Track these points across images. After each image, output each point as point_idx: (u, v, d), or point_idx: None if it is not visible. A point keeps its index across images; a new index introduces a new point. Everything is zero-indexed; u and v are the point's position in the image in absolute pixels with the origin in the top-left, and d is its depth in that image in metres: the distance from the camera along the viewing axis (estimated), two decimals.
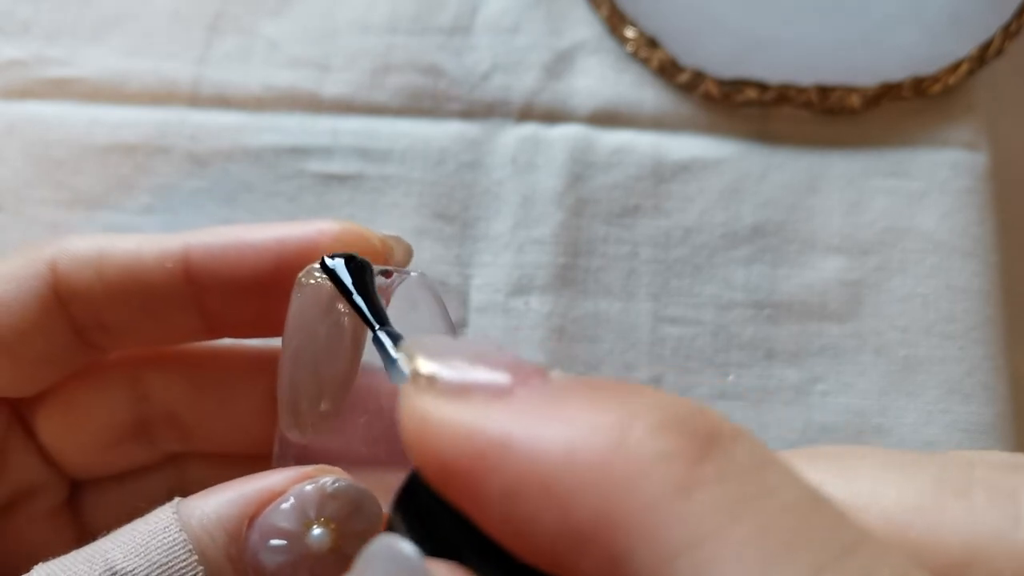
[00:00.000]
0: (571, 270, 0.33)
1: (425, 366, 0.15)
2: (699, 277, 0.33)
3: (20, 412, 0.25)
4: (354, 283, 0.21)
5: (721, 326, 0.33)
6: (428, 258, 0.33)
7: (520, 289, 0.33)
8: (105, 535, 0.20)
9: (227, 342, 0.27)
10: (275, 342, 0.26)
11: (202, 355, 0.26)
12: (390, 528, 0.15)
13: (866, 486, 0.15)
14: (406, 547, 0.14)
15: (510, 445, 0.13)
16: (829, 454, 0.16)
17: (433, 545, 0.14)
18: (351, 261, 0.22)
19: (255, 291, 0.24)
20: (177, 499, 0.21)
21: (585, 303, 0.33)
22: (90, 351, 0.25)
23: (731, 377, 0.32)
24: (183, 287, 0.24)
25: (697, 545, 0.12)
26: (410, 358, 0.15)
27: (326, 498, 0.20)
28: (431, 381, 0.14)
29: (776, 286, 0.33)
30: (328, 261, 0.22)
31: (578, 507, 0.13)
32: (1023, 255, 0.35)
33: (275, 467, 0.23)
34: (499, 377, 0.14)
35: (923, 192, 0.34)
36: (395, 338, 0.20)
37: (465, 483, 0.14)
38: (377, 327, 0.20)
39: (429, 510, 0.15)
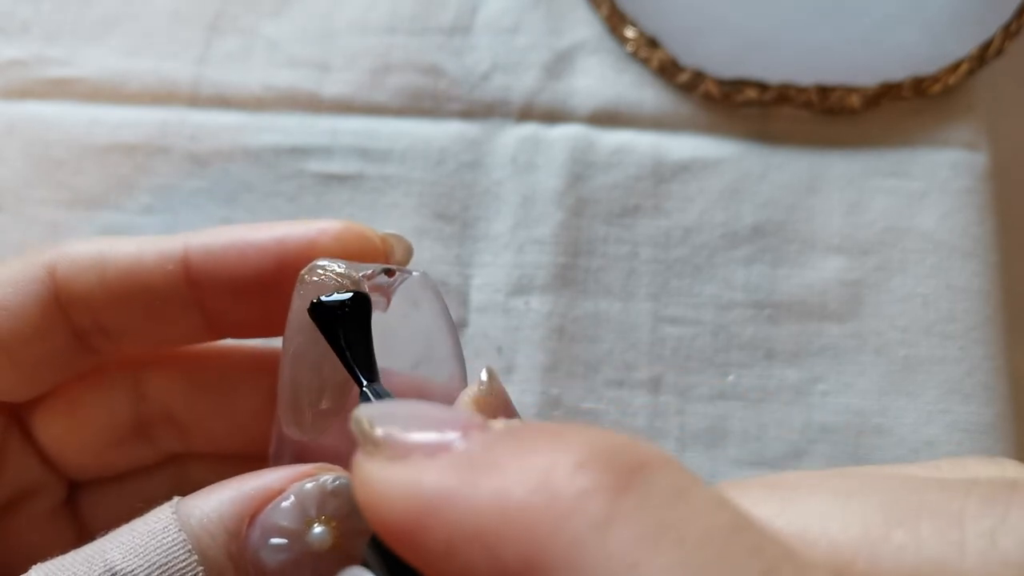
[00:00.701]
0: (571, 270, 0.33)
1: (371, 432, 0.15)
2: (699, 277, 0.33)
3: (18, 413, 0.25)
4: (346, 327, 0.21)
5: (721, 326, 0.33)
6: (428, 258, 0.33)
7: (520, 289, 0.33)
8: (104, 535, 0.20)
9: (227, 342, 0.27)
10: (275, 342, 0.26)
11: (201, 355, 0.26)
12: (365, 563, 0.17)
13: (815, 519, 0.15)
14: None
15: (444, 499, 0.14)
16: (786, 483, 0.16)
17: None
18: (342, 308, 0.21)
19: (256, 291, 0.24)
20: (176, 499, 0.21)
21: (585, 303, 0.33)
22: (90, 355, 0.25)
23: (731, 377, 0.32)
24: (184, 289, 0.24)
25: None
26: (358, 425, 0.16)
27: (327, 496, 0.20)
28: (376, 446, 0.15)
29: (776, 286, 0.33)
30: (324, 299, 0.21)
31: (508, 553, 0.13)
32: (1023, 255, 0.35)
33: (272, 465, 0.23)
34: (437, 435, 0.15)
35: (923, 192, 0.34)
36: (380, 395, 0.20)
37: (408, 539, 0.14)
38: (364, 384, 0.20)
39: (388, 561, 0.16)
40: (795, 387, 0.32)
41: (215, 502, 0.20)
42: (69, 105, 0.36)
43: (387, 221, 0.34)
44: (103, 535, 0.20)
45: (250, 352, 0.27)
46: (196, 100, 0.36)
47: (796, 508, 0.16)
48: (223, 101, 0.36)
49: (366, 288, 0.22)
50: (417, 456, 0.15)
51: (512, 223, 0.34)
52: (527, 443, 0.14)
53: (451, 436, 0.15)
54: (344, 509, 0.20)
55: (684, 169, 0.34)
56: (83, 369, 0.25)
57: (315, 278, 0.22)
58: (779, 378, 0.32)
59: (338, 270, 0.22)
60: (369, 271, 0.22)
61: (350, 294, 0.21)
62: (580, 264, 0.33)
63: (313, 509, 0.20)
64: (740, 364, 0.32)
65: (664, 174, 0.34)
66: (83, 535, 0.26)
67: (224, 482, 0.21)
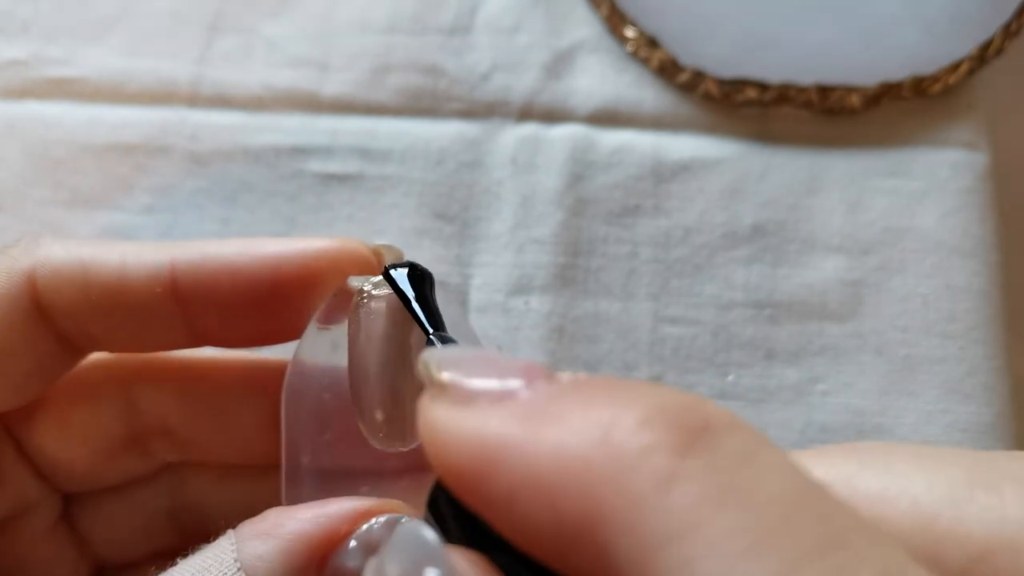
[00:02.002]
0: (571, 270, 0.33)
1: (438, 375, 0.15)
2: (699, 277, 0.33)
3: (9, 427, 0.25)
4: (415, 292, 0.22)
5: (721, 326, 0.33)
6: (428, 258, 0.33)
7: (520, 289, 0.33)
8: (155, 571, 0.20)
9: (222, 354, 0.26)
10: (268, 352, 0.26)
11: (195, 367, 0.26)
12: (428, 509, 0.16)
13: (897, 479, 0.15)
14: (427, 532, 0.15)
15: (507, 448, 0.14)
16: (864, 449, 0.17)
17: (456, 537, 0.16)
18: (413, 271, 0.22)
19: (248, 312, 0.23)
20: (232, 533, 0.20)
21: (585, 303, 0.33)
22: (77, 355, 0.24)
23: (731, 377, 0.32)
24: (171, 305, 0.23)
25: (679, 538, 0.12)
26: (426, 368, 0.16)
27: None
28: (443, 389, 0.15)
29: (776, 286, 0.33)
30: (392, 272, 0.22)
31: (567, 505, 0.13)
32: (1023, 255, 0.35)
33: (288, 485, 0.23)
34: (504, 382, 0.15)
35: (923, 192, 0.34)
36: (447, 343, 0.20)
37: (470, 486, 0.14)
38: (431, 332, 0.21)
39: (452, 507, 0.16)
40: (795, 387, 0.32)
41: (277, 548, 0.20)
42: (69, 105, 0.36)
43: (387, 221, 0.34)
44: (154, 573, 0.20)
45: (245, 363, 0.26)
46: (196, 100, 0.36)
47: (876, 468, 0.16)
48: (223, 101, 0.36)
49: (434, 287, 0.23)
50: (482, 402, 0.15)
51: (512, 223, 0.34)
52: (592, 396, 0.14)
53: (516, 384, 0.15)
54: None
55: (684, 169, 0.34)
56: (71, 368, 0.25)
57: (382, 293, 0.22)
58: (779, 378, 0.32)
59: (380, 284, 0.23)
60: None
61: (410, 265, 0.22)
62: (580, 264, 0.33)
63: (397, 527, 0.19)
64: (740, 364, 0.32)
65: (664, 174, 0.34)
66: (83, 548, 0.26)
67: (278, 520, 0.20)
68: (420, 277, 0.22)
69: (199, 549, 0.20)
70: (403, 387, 0.22)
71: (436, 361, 0.16)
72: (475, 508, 0.14)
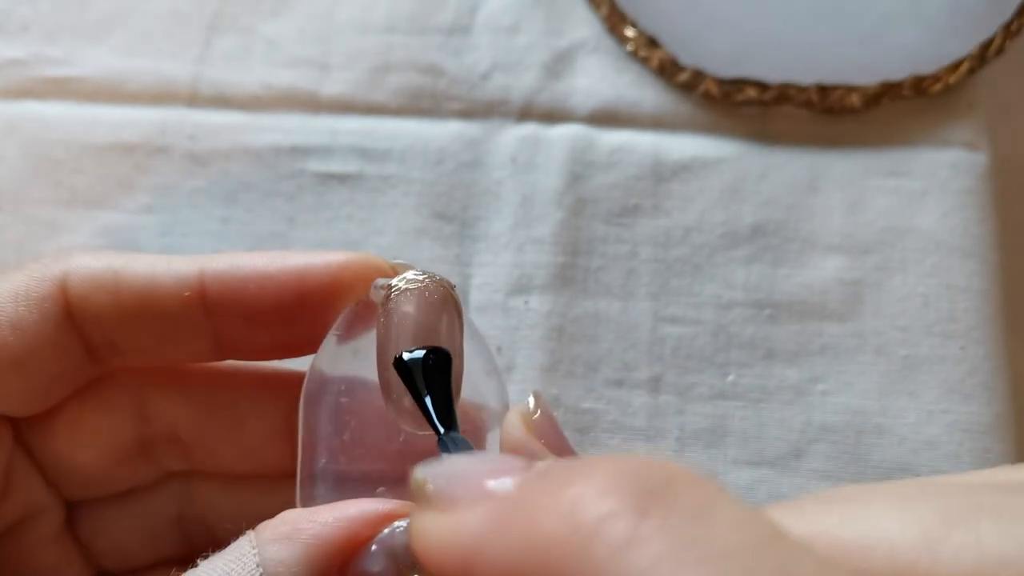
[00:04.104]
0: (571, 269, 0.33)
1: (425, 489, 0.17)
2: (699, 277, 0.33)
3: (21, 431, 0.25)
4: (427, 383, 0.21)
5: (721, 326, 0.33)
6: (428, 258, 0.33)
7: (520, 289, 0.33)
8: (176, 572, 0.20)
9: (234, 363, 0.26)
10: (284, 364, 0.26)
11: (207, 376, 0.26)
12: None
13: (873, 525, 0.15)
14: None
15: (483, 544, 0.15)
16: (841, 497, 0.17)
17: None
18: (428, 359, 0.22)
19: (273, 322, 0.24)
20: (252, 534, 0.20)
21: (585, 303, 0.33)
22: (98, 366, 0.25)
23: (731, 377, 0.32)
24: (199, 315, 0.24)
25: None
26: (415, 484, 0.17)
27: None
28: (429, 501, 0.16)
29: (776, 286, 0.33)
30: (406, 355, 0.22)
31: None
32: (1023, 255, 0.35)
33: (304, 486, 0.23)
34: (483, 485, 0.16)
35: (923, 192, 0.34)
36: (456, 443, 0.21)
37: None
38: (441, 433, 0.21)
39: None
40: (795, 387, 0.32)
41: (299, 551, 0.20)
42: (68, 105, 0.36)
43: (387, 221, 0.34)
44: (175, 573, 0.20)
45: (257, 373, 0.26)
46: (195, 100, 0.36)
47: (854, 517, 0.16)
48: (222, 101, 0.36)
49: (456, 291, 0.23)
50: (462, 506, 0.16)
51: (512, 223, 0.34)
52: (559, 480, 0.15)
53: (493, 484, 0.16)
54: None
55: (684, 169, 0.34)
56: (90, 379, 0.25)
57: (411, 285, 0.22)
58: (779, 378, 0.32)
59: (420, 276, 0.23)
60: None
61: (427, 349, 0.22)
62: (580, 264, 0.33)
63: (407, 559, 0.19)
64: (740, 364, 0.32)
65: (664, 174, 0.34)
66: (87, 555, 0.26)
67: (296, 521, 0.20)
68: (435, 364, 0.22)
69: (219, 551, 0.20)
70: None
71: (423, 476, 0.17)
72: None
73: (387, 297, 0.22)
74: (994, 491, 0.15)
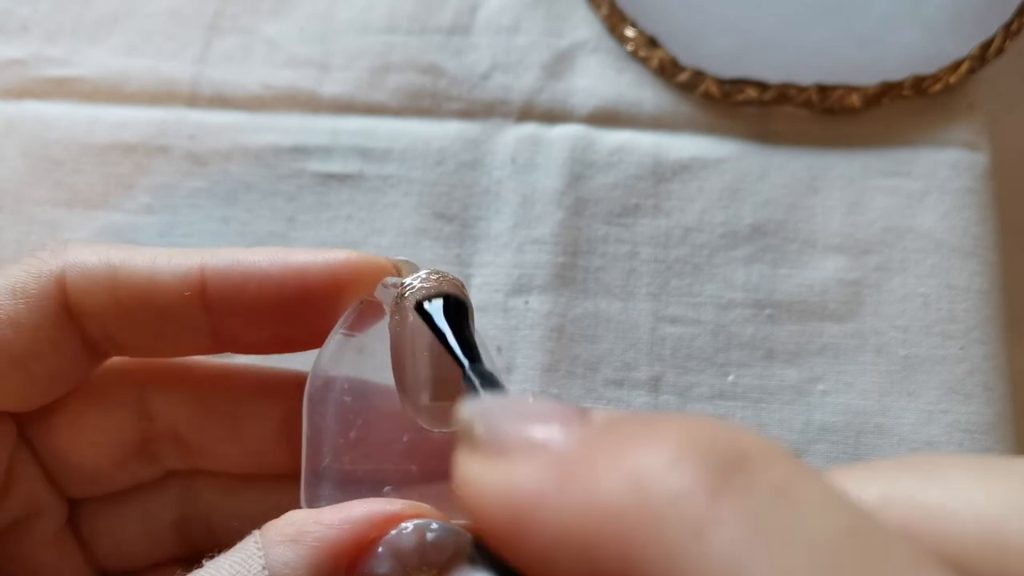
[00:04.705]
0: (571, 269, 0.33)
1: (472, 429, 0.15)
2: (699, 277, 0.33)
3: (23, 427, 0.25)
4: (450, 324, 0.21)
5: (721, 326, 0.33)
6: (428, 258, 0.33)
7: (520, 289, 0.33)
8: (181, 574, 0.20)
9: (236, 361, 0.26)
10: (284, 361, 0.26)
11: (209, 375, 0.26)
12: (471, 560, 0.17)
13: (956, 491, 0.15)
14: None
15: (540, 503, 0.14)
16: (916, 462, 0.16)
17: None
18: (447, 303, 0.22)
19: (273, 319, 0.24)
20: (258, 535, 0.20)
21: (585, 303, 0.33)
22: (98, 359, 0.25)
23: (731, 377, 0.32)
24: (198, 311, 0.23)
25: None
26: (459, 421, 0.16)
27: (427, 547, 0.19)
28: (477, 444, 0.15)
29: (776, 286, 0.33)
30: (426, 305, 0.22)
31: (603, 560, 0.13)
32: (1023, 255, 0.35)
33: (308, 486, 0.23)
34: (536, 432, 0.15)
35: (923, 192, 0.34)
36: (484, 376, 0.20)
37: (506, 540, 0.14)
38: (467, 365, 0.20)
39: (490, 558, 0.16)
40: (795, 387, 0.32)
41: (302, 555, 0.19)
42: (68, 105, 0.36)
43: (387, 221, 0.34)
44: (180, 574, 0.20)
45: (259, 372, 0.26)
46: (195, 100, 0.36)
47: (936, 482, 0.15)
48: (222, 101, 0.36)
49: (466, 289, 0.23)
50: (515, 455, 0.15)
51: (512, 223, 0.34)
52: (622, 438, 0.14)
53: (548, 434, 0.15)
54: (444, 557, 0.19)
55: (684, 169, 0.34)
56: (90, 373, 0.25)
57: (423, 284, 0.22)
58: (779, 378, 0.32)
59: (434, 276, 0.23)
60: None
61: (445, 296, 0.22)
62: (580, 264, 0.33)
63: (414, 560, 0.19)
64: (740, 364, 0.32)
65: (664, 174, 0.34)
66: (88, 555, 0.26)
67: (302, 522, 0.20)
68: (455, 308, 0.22)
69: (224, 551, 0.20)
70: (447, 370, 0.22)
71: (470, 414, 0.16)
72: (515, 562, 0.14)
73: (401, 296, 0.22)
74: None
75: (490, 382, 0.19)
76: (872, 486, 0.15)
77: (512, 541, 0.14)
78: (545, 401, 0.16)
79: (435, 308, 0.22)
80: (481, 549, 0.17)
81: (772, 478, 0.13)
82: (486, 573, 0.17)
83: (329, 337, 0.24)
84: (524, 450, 0.15)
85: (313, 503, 0.22)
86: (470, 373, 0.20)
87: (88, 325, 0.23)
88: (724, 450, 0.13)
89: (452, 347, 0.21)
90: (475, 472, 0.15)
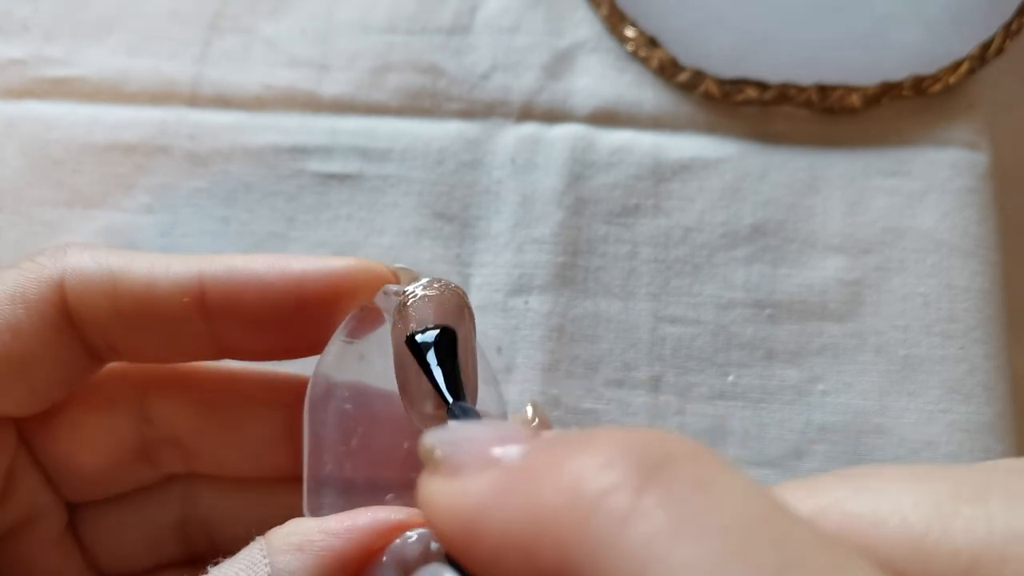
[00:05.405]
0: (571, 269, 0.33)
1: (432, 454, 0.17)
2: (699, 277, 0.33)
3: (23, 431, 0.25)
4: (438, 358, 0.22)
5: (721, 326, 0.33)
6: (428, 257, 0.33)
7: (520, 288, 0.33)
8: None
9: (236, 366, 0.26)
10: (284, 366, 0.26)
11: (209, 379, 0.26)
12: (448, 560, 0.18)
13: (887, 499, 0.16)
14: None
15: (486, 511, 0.15)
16: (856, 474, 0.17)
17: None
18: (439, 339, 0.22)
19: (271, 326, 0.24)
20: (262, 542, 0.20)
21: (585, 302, 0.33)
22: (98, 365, 0.25)
23: (731, 377, 0.32)
24: (197, 318, 0.23)
25: (642, 575, 0.12)
26: (423, 448, 0.17)
27: (431, 556, 0.19)
28: (437, 466, 0.17)
29: (776, 286, 0.33)
30: (418, 337, 0.22)
31: (542, 559, 0.14)
32: (1023, 255, 0.35)
33: (310, 494, 0.23)
34: (490, 452, 0.16)
35: (923, 192, 0.34)
36: (465, 412, 0.21)
37: (461, 550, 0.16)
38: (451, 403, 0.21)
39: (458, 569, 0.18)
40: (795, 387, 0.32)
41: (307, 565, 0.19)
42: (68, 105, 0.36)
43: (387, 221, 0.34)
44: None
45: (259, 376, 0.26)
46: (195, 100, 0.36)
47: (868, 491, 0.16)
48: (222, 101, 0.36)
49: (467, 297, 0.23)
50: (467, 472, 0.16)
51: (512, 222, 0.34)
52: (563, 450, 0.15)
53: (499, 451, 0.16)
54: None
55: (684, 168, 0.34)
56: (90, 377, 0.25)
57: (429, 292, 0.23)
58: (779, 378, 0.32)
59: (436, 284, 0.23)
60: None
61: (438, 329, 0.22)
62: (580, 264, 0.33)
63: (418, 569, 0.19)
64: (740, 364, 0.32)
65: (664, 173, 0.34)
66: (88, 559, 0.26)
67: (307, 531, 0.20)
68: (445, 341, 0.22)
69: (228, 558, 0.20)
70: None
71: (431, 441, 0.17)
72: (473, 571, 0.16)
73: (404, 304, 0.22)
74: (1004, 473, 0.16)
75: (470, 417, 0.20)
76: (809, 498, 0.16)
77: (466, 550, 0.15)
78: (500, 424, 0.17)
79: (425, 342, 0.22)
80: (450, 561, 0.18)
81: (695, 474, 0.14)
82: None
83: (329, 344, 0.24)
84: (475, 467, 0.16)
85: (316, 511, 0.22)
86: (454, 409, 0.21)
87: (88, 331, 0.23)
88: (652, 451, 0.14)
89: (438, 384, 0.21)
90: (433, 490, 0.16)
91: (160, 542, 0.27)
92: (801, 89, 0.34)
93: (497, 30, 0.36)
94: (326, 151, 0.35)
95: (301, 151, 0.35)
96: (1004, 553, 0.14)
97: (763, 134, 0.35)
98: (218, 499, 0.26)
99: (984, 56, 0.34)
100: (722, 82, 0.34)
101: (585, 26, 0.36)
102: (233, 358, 0.25)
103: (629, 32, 0.36)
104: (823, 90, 0.34)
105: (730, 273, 0.33)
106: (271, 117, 0.35)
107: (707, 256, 0.33)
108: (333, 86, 0.36)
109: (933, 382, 0.32)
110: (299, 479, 0.23)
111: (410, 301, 0.22)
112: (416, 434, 0.22)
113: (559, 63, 0.36)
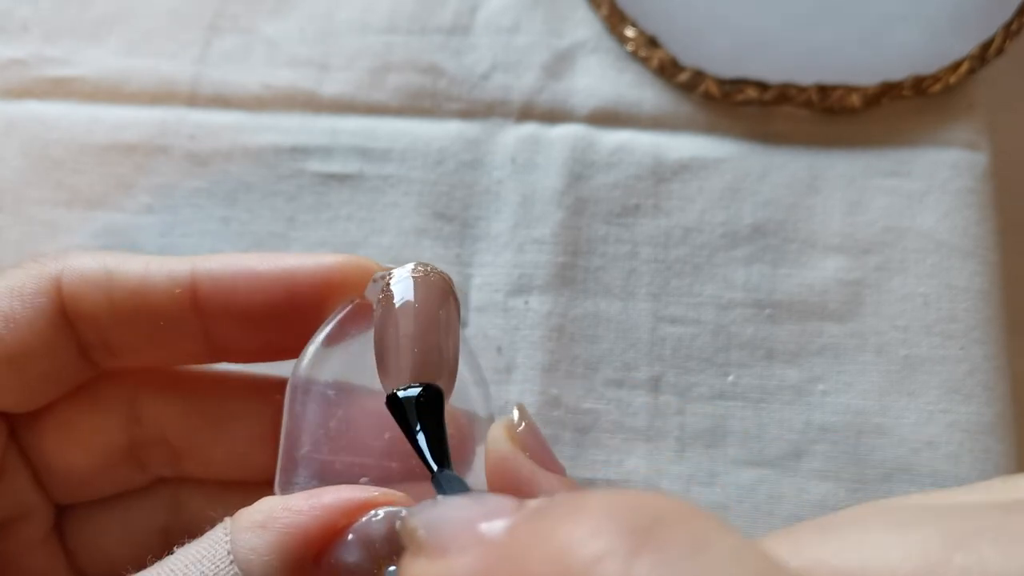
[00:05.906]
0: (571, 269, 0.33)
1: (415, 535, 0.16)
2: (699, 277, 0.33)
3: (14, 429, 0.25)
4: (422, 422, 0.21)
5: (721, 326, 0.33)
6: (428, 257, 0.33)
7: (520, 288, 0.33)
8: (152, 559, 0.20)
9: (225, 367, 0.26)
10: (276, 368, 0.26)
11: (199, 381, 0.26)
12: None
13: (874, 552, 0.15)
14: None
15: None
16: (836, 523, 0.16)
17: None
18: (422, 396, 0.21)
19: (263, 322, 0.24)
20: (228, 522, 0.20)
21: (585, 302, 0.33)
22: (91, 367, 0.25)
23: (731, 377, 0.32)
24: (190, 315, 0.24)
25: None
26: (404, 532, 0.17)
27: (397, 535, 0.19)
28: (420, 547, 0.16)
29: (776, 286, 0.33)
30: (400, 393, 0.21)
31: None
32: (1023, 255, 0.35)
33: (283, 473, 0.23)
34: (472, 529, 0.16)
35: (923, 192, 0.34)
36: (451, 481, 0.20)
37: None
38: (436, 469, 0.20)
39: None
40: (795, 387, 0.32)
41: (269, 541, 0.19)
42: (68, 105, 0.36)
43: (387, 221, 0.34)
44: (151, 560, 0.20)
45: (248, 379, 0.26)
46: (195, 100, 0.36)
47: (852, 545, 0.15)
48: (222, 101, 0.36)
49: (455, 287, 0.23)
50: (452, 551, 0.16)
51: (512, 223, 0.34)
52: (550, 519, 0.15)
53: (485, 527, 0.16)
54: None
55: (684, 168, 0.34)
56: (82, 381, 0.25)
57: (414, 274, 0.22)
58: (779, 378, 0.32)
59: (421, 267, 0.23)
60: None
61: (421, 387, 0.21)
62: (580, 264, 0.33)
63: (384, 549, 0.19)
64: (740, 364, 0.32)
65: (664, 174, 0.34)
66: (73, 562, 0.26)
67: (271, 508, 0.20)
68: (428, 401, 0.21)
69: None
70: (429, 354, 0.22)
71: (414, 523, 0.17)
72: None
73: (387, 284, 0.22)
74: (993, 511, 0.15)
75: (456, 487, 0.20)
76: (794, 557, 0.15)
77: None
78: (484, 497, 0.17)
79: (408, 401, 0.21)
80: None
81: (687, 536, 0.13)
82: None
83: (315, 334, 0.24)
84: (460, 546, 0.16)
85: (287, 489, 0.22)
86: (439, 479, 0.20)
87: (84, 328, 0.24)
88: (642, 514, 0.14)
89: (422, 451, 0.21)
90: (417, 572, 0.16)
91: (146, 546, 0.26)
92: (801, 89, 0.34)
93: (497, 30, 0.36)
94: (326, 151, 0.35)
95: (301, 151, 0.35)
96: None
97: (763, 134, 0.35)
98: (205, 504, 0.26)
99: (984, 56, 0.34)
100: (722, 82, 0.34)
101: (585, 26, 0.36)
102: (227, 359, 0.25)
103: (629, 32, 0.36)
104: (823, 90, 0.34)
105: (730, 273, 0.33)
106: (271, 117, 0.35)
107: (707, 256, 0.33)
108: (333, 86, 0.36)
109: (933, 382, 0.32)
110: None
111: (392, 282, 0.22)
112: (395, 426, 0.22)
113: (559, 63, 0.36)
